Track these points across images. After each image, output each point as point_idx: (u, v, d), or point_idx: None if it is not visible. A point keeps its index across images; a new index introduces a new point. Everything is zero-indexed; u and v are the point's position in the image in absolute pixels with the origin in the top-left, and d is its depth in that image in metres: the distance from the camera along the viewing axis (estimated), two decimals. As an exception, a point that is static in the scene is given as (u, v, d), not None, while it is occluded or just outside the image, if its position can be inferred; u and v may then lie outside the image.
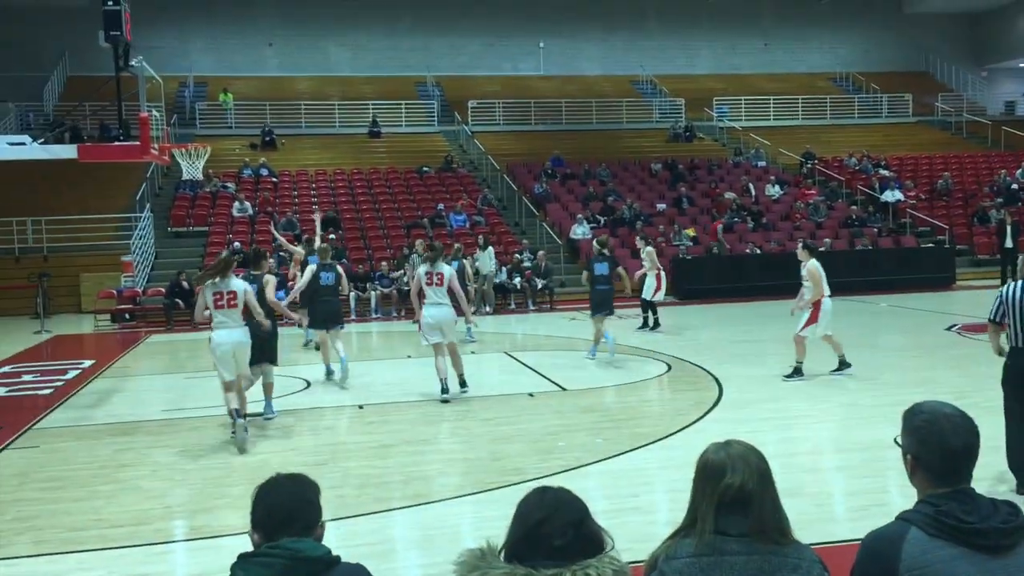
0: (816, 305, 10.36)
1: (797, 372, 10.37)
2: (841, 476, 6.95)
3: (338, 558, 2.26)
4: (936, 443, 2.28)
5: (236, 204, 23.66)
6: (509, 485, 6.48)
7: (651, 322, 15.30)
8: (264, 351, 9.07)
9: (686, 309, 15.26)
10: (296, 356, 15.23)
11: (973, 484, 2.28)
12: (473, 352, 13.24)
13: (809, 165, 28.34)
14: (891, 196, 25.91)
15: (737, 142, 31.23)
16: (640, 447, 7.62)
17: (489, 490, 6.51)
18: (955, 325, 14.57)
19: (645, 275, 15.37)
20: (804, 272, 10.57)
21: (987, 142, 32.77)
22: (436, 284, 9.70)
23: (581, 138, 30.48)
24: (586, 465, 7.15)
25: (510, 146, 29.83)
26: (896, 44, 38.36)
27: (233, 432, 8.13)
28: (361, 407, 9.71)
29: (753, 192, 25.95)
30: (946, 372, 10.67)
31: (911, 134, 33.34)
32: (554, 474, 6.78)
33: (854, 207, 25.51)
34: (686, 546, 2.23)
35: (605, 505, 6.10)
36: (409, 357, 13.21)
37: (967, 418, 2.32)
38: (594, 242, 13.11)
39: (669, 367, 11.63)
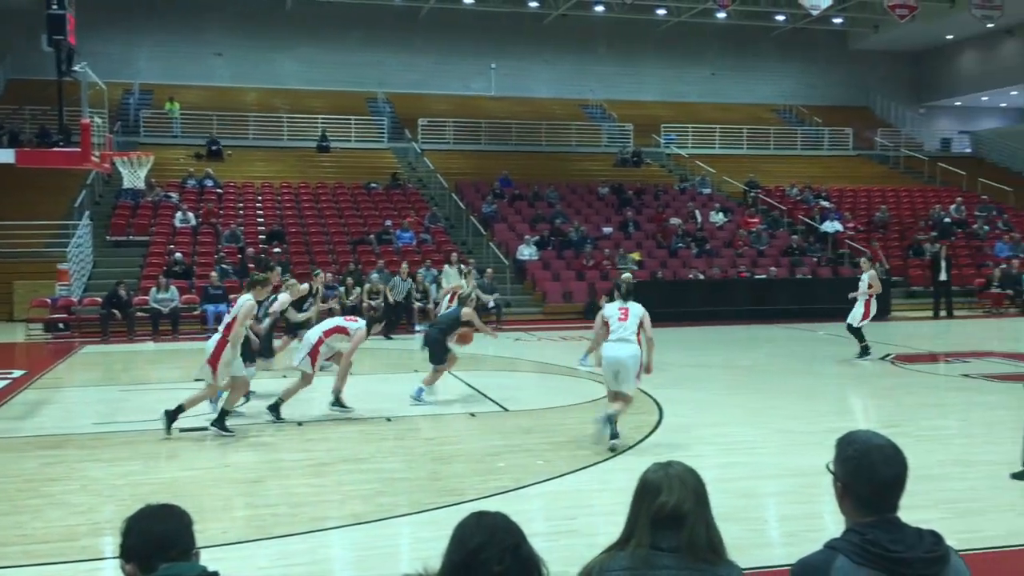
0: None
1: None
2: (776, 501, 7.04)
3: (216, 573, 2.25)
4: (866, 473, 2.33)
5: (179, 214, 23.29)
6: (448, 506, 6.44)
7: (861, 349, 14.42)
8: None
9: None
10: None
11: (905, 512, 2.34)
12: (416, 371, 13.16)
13: (752, 194, 28.87)
14: (830, 227, 26.50)
15: (683, 169, 31.71)
16: (579, 469, 7.63)
17: (428, 510, 6.45)
18: (889, 355, 14.91)
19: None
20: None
21: (923, 177, 33.76)
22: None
23: (530, 159, 30.67)
24: (525, 487, 7.14)
25: (459, 165, 29.89)
26: (839, 79, 39.40)
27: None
28: (300, 424, 9.58)
29: (699, 219, 26.35)
30: (880, 401, 10.90)
31: (851, 167, 34.19)
32: (494, 495, 6.76)
33: (795, 236, 26.05)
34: (620, 559, 2.29)
35: (543, 527, 6.10)
36: (351, 375, 13.05)
37: (897, 449, 2.38)
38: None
39: (611, 390, 11.68)
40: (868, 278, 14.41)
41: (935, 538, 2.28)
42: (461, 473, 7.62)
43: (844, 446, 2.41)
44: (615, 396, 8.43)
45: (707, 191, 29.17)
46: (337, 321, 10.61)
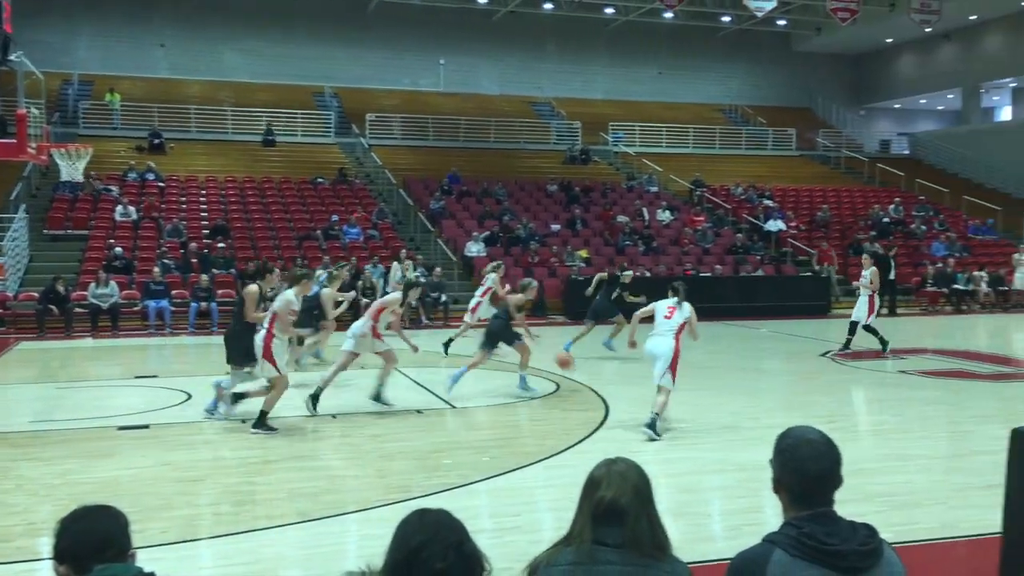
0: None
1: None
2: (719, 496, 7.14)
3: (152, 574, 2.24)
4: (796, 468, 2.39)
5: (119, 208, 22.80)
6: (395, 503, 6.42)
7: (882, 344, 14.52)
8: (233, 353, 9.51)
9: (576, 329, 15.55)
10: (178, 367, 14.79)
11: (842, 505, 2.39)
12: (363, 367, 13.07)
13: (698, 192, 29.22)
14: (774, 226, 26.95)
15: (630, 167, 31.95)
16: (525, 466, 7.66)
17: (374, 508, 6.42)
18: (829, 352, 15.22)
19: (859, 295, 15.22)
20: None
21: (863, 177, 34.49)
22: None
23: (479, 156, 30.64)
24: (471, 483, 7.14)
25: (407, 161, 29.74)
26: (783, 80, 40.07)
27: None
28: (244, 421, 9.45)
29: (646, 216, 26.59)
30: (820, 397, 11.11)
31: (794, 167, 34.79)
32: (440, 492, 6.75)
33: (739, 235, 26.42)
34: (566, 555, 2.32)
35: (489, 524, 6.11)
36: (296, 370, 12.93)
37: (829, 445, 2.44)
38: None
39: (558, 386, 11.75)
40: (870, 275, 14.81)
41: (869, 531, 2.34)
42: (407, 470, 7.59)
43: (779, 441, 2.48)
44: (658, 389, 8.96)
45: (654, 189, 29.44)
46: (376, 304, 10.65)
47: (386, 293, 19.28)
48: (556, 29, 36.08)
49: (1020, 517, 4.27)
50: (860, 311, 14.86)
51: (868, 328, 14.72)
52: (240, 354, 9.42)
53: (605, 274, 15.85)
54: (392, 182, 27.41)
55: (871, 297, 14.82)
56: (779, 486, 2.43)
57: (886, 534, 2.41)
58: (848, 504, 2.39)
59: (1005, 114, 41.22)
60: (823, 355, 14.84)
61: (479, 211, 25.76)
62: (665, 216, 27.08)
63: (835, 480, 2.40)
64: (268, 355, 8.91)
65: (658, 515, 2.39)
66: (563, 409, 10.62)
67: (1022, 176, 32.82)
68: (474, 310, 15.05)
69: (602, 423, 9.47)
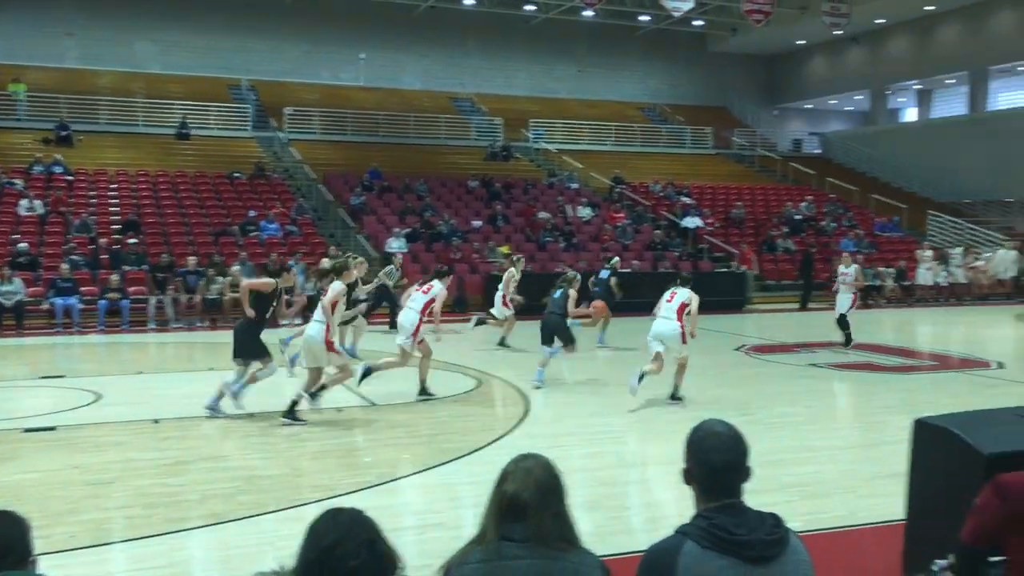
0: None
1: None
2: (638, 489, 7.25)
3: None
4: (703, 459, 2.46)
5: (24, 202, 21.93)
6: (313, 502, 6.33)
7: (846, 341, 15.13)
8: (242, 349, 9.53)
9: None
10: (87, 367, 14.33)
11: (754, 495, 2.45)
12: (282, 365, 12.85)
13: (618, 189, 29.58)
14: (691, 222, 27.45)
15: (551, 164, 32.15)
16: (446, 462, 7.64)
17: (292, 507, 6.33)
18: (744, 345, 15.59)
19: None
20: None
21: (776, 176, 35.40)
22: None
23: (400, 152, 30.43)
24: (392, 481, 7.10)
25: (327, 156, 29.35)
26: (700, 80, 40.84)
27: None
28: (156, 421, 9.21)
29: (569, 213, 26.78)
30: (735, 390, 11.36)
31: (710, 165, 35.49)
32: (360, 490, 6.68)
33: (658, 231, 26.83)
34: (477, 552, 2.34)
35: (411, 521, 6.08)
36: (211, 369, 12.65)
37: (735, 437, 2.50)
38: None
39: (479, 382, 11.76)
40: (854, 271, 15.46)
41: (775, 520, 2.41)
42: (326, 469, 7.50)
43: (690, 434, 2.54)
44: (655, 357, 10.02)
45: (575, 186, 29.68)
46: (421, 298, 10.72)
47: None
48: (478, 25, 36.05)
49: (922, 504, 4.44)
50: (843, 304, 15.35)
51: (842, 320, 15.18)
52: (248, 350, 9.47)
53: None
54: (311, 177, 27.02)
55: (855, 294, 15.40)
56: (689, 477, 2.51)
57: (796, 523, 2.49)
58: (761, 494, 2.46)
59: (910, 115, 42.81)
60: (736, 349, 15.18)
61: (400, 207, 25.59)
62: (586, 213, 27.33)
63: (741, 472, 2.46)
64: (331, 347, 9.23)
65: (566, 509, 2.42)
66: (484, 405, 10.65)
67: (925, 176, 34.14)
68: (505, 304, 15.40)
69: (523, 418, 9.51)
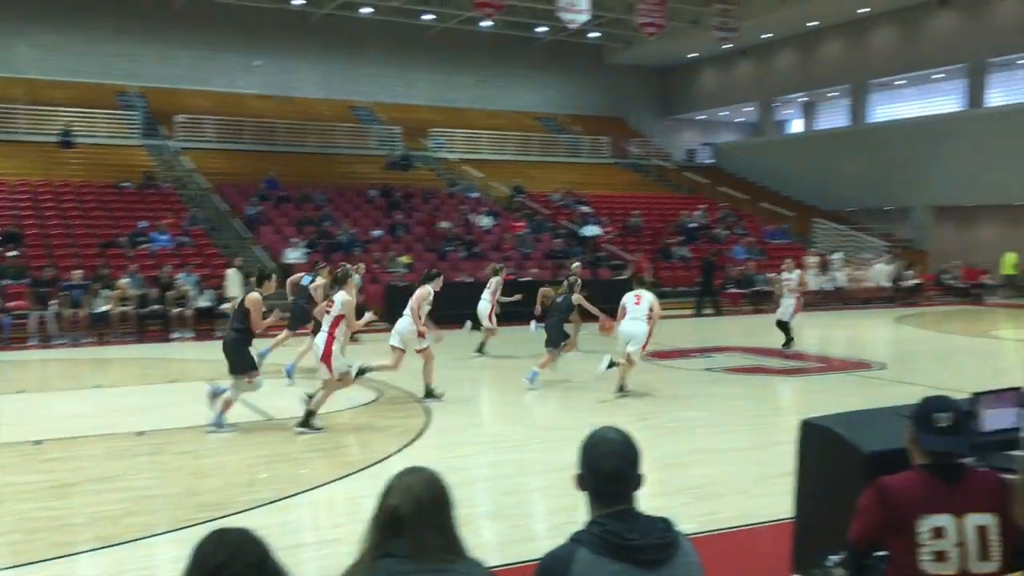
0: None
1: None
2: (540, 496, 7.29)
3: None
4: (594, 466, 2.51)
5: None
6: (207, 521, 6.13)
7: (787, 343, 15.96)
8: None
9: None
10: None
11: (651, 499, 2.49)
12: (173, 380, 12.49)
13: (518, 199, 29.78)
14: (590, 231, 27.85)
15: (452, 173, 32.15)
16: (346, 476, 7.54)
17: (185, 527, 6.12)
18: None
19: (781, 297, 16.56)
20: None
21: (671, 185, 36.26)
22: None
23: (297, 161, 29.95)
24: (290, 497, 6.96)
25: (221, 165, 28.65)
26: (597, 91, 41.52)
27: None
28: (39, 443, 8.79)
29: (471, 222, 26.81)
30: (633, 396, 11.55)
31: (608, 175, 36.10)
32: (256, 508, 6.52)
33: (557, 240, 27.11)
34: (360, 572, 2.32)
35: (309, 537, 5.97)
36: (98, 387, 12.19)
37: (626, 444, 2.55)
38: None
39: (380, 393, 11.64)
40: (798, 276, 15.98)
41: (666, 524, 2.47)
42: (220, 487, 7.30)
43: (583, 441, 2.58)
44: (625, 356, 10.75)
45: (475, 195, 29.76)
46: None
47: (223, 300, 18.42)
48: (376, 34, 35.80)
49: (809, 502, 4.60)
50: (786, 310, 15.89)
51: (782, 323, 15.79)
52: (241, 364, 9.34)
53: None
54: (204, 187, 26.32)
55: (799, 299, 15.93)
56: (583, 484, 2.54)
57: (690, 525, 2.55)
58: (658, 498, 2.52)
59: (796, 127, 44.47)
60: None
61: (298, 217, 25.16)
62: (486, 222, 27.42)
63: (631, 478, 2.51)
64: (327, 359, 9.17)
65: (451, 522, 2.40)
66: (385, 417, 10.54)
67: (811, 185, 35.49)
68: (490, 316, 15.57)
69: (424, 429, 9.46)
